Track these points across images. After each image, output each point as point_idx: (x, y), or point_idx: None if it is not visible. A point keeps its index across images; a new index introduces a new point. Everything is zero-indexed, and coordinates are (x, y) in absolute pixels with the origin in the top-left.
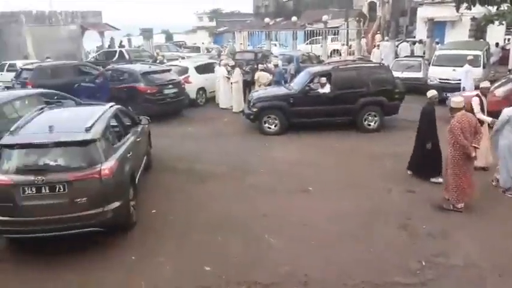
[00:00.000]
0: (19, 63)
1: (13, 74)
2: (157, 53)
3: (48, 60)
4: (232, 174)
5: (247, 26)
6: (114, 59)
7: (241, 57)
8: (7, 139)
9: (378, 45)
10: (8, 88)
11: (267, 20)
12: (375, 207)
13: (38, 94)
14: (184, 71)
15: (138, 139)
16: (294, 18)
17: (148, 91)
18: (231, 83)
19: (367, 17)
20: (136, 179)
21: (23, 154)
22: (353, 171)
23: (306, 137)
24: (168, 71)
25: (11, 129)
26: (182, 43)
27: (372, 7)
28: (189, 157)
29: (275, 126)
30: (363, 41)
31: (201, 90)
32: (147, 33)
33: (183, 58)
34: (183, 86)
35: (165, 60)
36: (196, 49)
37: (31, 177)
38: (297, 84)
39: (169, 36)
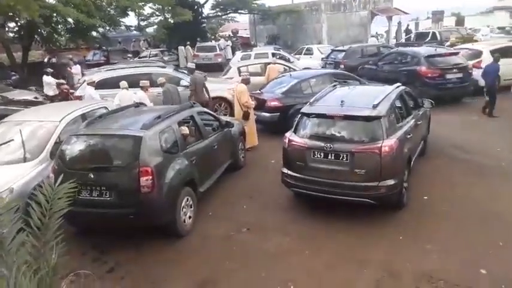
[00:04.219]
0: (314, 48)
1: (308, 57)
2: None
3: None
4: None
5: None
6: (427, 39)
7: None
8: (306, 109)
9: None
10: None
11: None
12: None
13: (329, 74)
14: (477, 54)
15: (419, 122)
16: None
17: (429, 74)
18: None
19: None
20: (412, 162)
21: (317, 123)
22: None
23: None
24: (455, 54)
25: (310, 101)
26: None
27: None
28: (468, 147)
29: None
30: None
31: None
32: (436, 16)
33: (476, 41)
34: (470, 71)
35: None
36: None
37: (321, 144)
38: None
39: (460, 20)
